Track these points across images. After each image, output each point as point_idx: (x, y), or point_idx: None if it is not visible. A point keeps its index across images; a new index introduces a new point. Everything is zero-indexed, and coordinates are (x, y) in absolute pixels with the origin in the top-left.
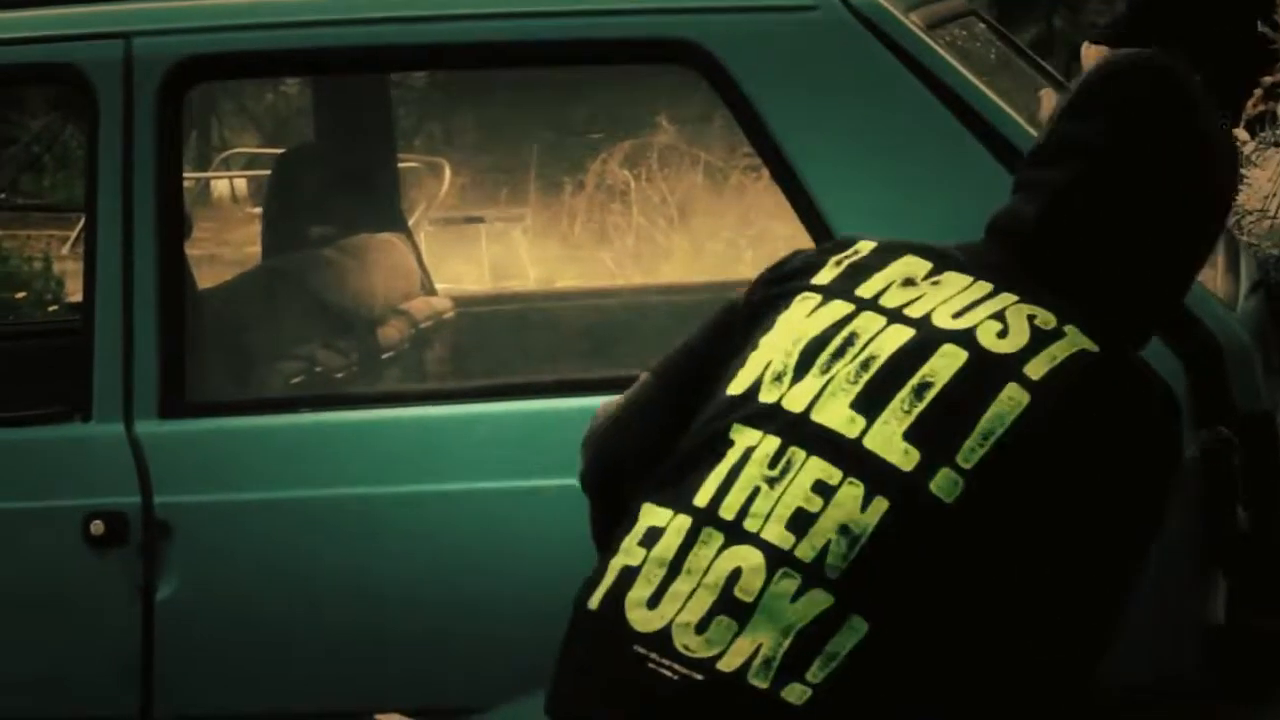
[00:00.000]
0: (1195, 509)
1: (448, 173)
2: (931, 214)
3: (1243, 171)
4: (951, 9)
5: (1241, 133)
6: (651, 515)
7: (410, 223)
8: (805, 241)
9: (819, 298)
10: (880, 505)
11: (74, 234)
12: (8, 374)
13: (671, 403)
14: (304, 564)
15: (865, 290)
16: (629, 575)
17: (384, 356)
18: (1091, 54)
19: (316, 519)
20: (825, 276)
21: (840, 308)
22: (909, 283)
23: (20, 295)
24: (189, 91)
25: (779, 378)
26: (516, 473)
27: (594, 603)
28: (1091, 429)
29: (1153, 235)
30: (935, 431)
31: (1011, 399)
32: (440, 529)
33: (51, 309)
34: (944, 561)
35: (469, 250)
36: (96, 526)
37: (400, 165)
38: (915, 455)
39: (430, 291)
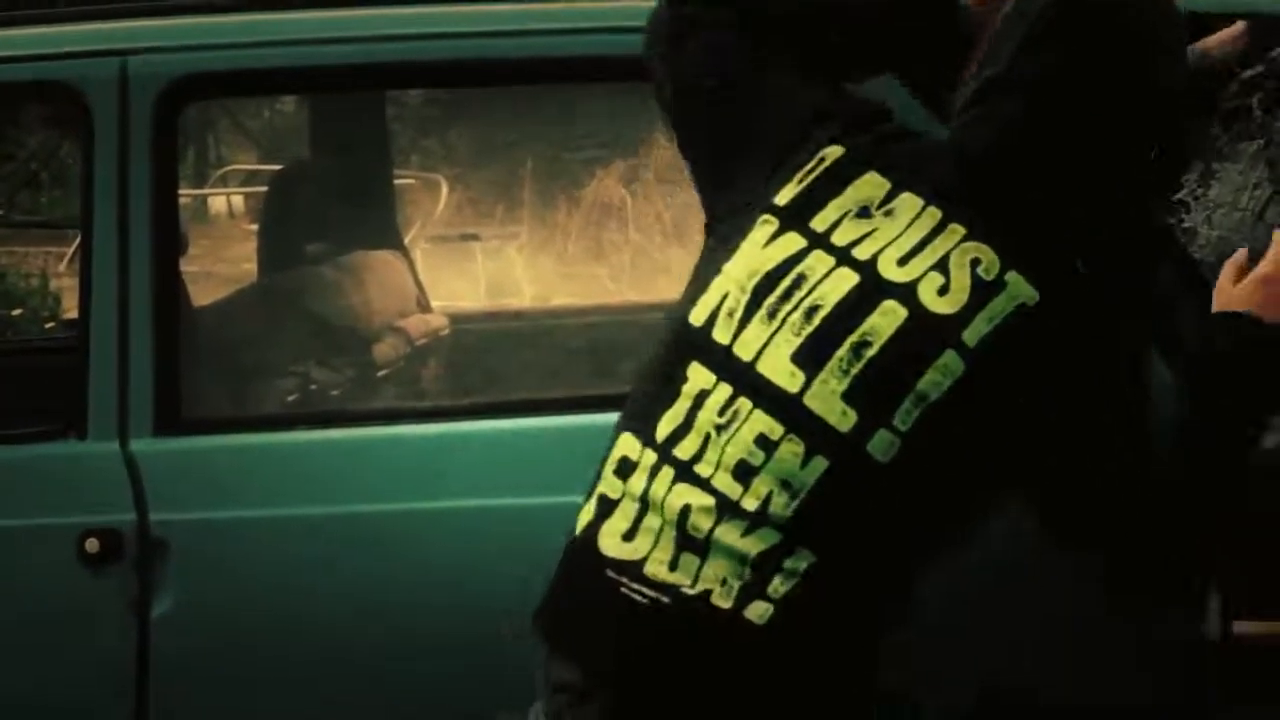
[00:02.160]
0: None
1: (444, 189)
2: None
3: (1215, 165)
4: None
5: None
6: (625, 444)
7: (406, 240)
8: None
9: (776, 224)
10: (819, 464)
11: (70, 251)
12: (3, 391)
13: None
14: (300, 581)
15: (819, 222)
16: (608, 506)
17: (380, 374)
18: None
19: (312, 536)
20: (786, 194)
21: (793, 241)
22: (863, 213)
23: (16, 312)
24: (185, 109)
25: (731, 313)
26: (513, 490)
27: (578, 531)
28: (1022, 383)
29: (1102, 162)
30: (873, 394)
31: (947, 366)
32: (437, 546)
33: (47, 326)
34: (882, 509)
35: (465, 267)
36: (92, 544)
37: (396, 182)
38: (853, 416)
39: (426, 309)
